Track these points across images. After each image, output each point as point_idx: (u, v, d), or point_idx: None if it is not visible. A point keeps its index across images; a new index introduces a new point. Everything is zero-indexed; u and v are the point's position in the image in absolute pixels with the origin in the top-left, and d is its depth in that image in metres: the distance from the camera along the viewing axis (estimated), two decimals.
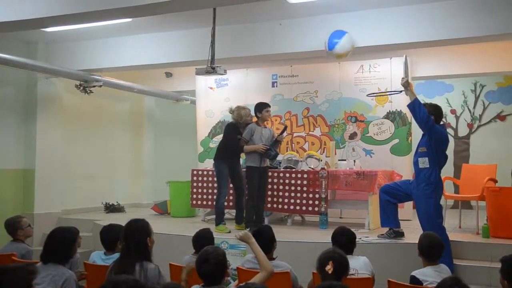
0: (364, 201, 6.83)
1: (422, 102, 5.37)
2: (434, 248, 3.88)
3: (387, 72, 8.07)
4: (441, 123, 5.54)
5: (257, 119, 6.90)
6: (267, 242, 4.05)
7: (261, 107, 6.90)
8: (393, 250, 5.60)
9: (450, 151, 6.40)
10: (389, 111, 8.01)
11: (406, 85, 5.40)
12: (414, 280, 3.70)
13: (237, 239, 3.79)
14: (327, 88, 8.44)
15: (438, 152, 5.29)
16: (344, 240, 4.10)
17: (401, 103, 7.92)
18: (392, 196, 5.73)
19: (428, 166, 5.29)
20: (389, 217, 5.77)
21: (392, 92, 6.94)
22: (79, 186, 9.51)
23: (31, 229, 5.19)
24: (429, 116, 5.20)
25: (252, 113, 7.01)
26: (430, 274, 3.72)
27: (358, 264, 3.92)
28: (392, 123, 7.97)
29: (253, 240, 3.65)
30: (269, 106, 6.99)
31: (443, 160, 5.37)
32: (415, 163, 5.42)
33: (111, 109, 10.62)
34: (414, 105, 5.24)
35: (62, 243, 3.62)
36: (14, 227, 5.02)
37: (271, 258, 4.00)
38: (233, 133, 6.95)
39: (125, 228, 3.61)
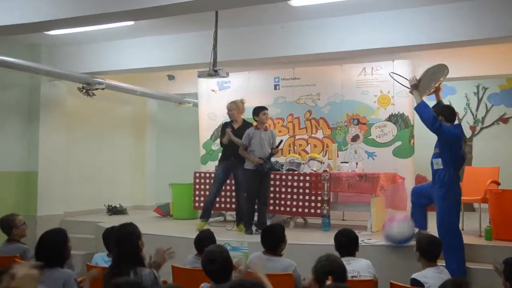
0: (367, 203, 6.82)
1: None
2: (433, 246, 3.90)
3: (388, 75, 8.05)
4: (456, 122, 5.46)
5: (256, 123, 6.92)
6: (275, 240, 4.16)
7: (258, 110, 6.93)
8: (395, 252, 5.59)
9: None
10: (392, 113, 8.00)
11: (415, 87, 5.42)
12: (415, 282, 3.70)
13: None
14: (329, 91, 8.44)
15: (451, 153, 5.25)
16: (346, 242, 4.11)
17: (403, 105, 7.94)
18: (418, 197, 5.76)
19: (442, 167, 5.28)
20: (415, 219, 5.70)
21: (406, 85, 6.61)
22: (81, 188, 9.53)
23: (25, 228, 5.01)
24: (435, 118, 5.21)
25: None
26: (430, 276, 3.71)
27: (360, 266, 3.91)
28: (395, 126, 7.96)
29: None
30: (266, 109, 7.02)
31: (458, 160, 5.30)
32: (431, 164, 5.43)
33: (114, 112, 10.65)
34: (420, 108, 5.31)
35: (53, 247, 3.57)
36: (9, 225, 4.88)
37: (278, 255, 4.11)
38: (223, 131, 7.13)
39: (116, 235, 3.59)
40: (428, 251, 3.88)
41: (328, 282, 2.93)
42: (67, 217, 8.96)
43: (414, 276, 3.75)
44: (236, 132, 7.07)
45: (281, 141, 7.42)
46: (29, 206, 8.56)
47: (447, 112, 5.40)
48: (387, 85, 8.03)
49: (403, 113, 7.94)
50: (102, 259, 4.33)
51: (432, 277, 3.68)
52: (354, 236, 4.18)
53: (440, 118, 5.30)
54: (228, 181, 7.49)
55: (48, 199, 8.73)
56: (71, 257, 3.86)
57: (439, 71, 5.81)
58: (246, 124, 7.19)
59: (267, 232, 4.32)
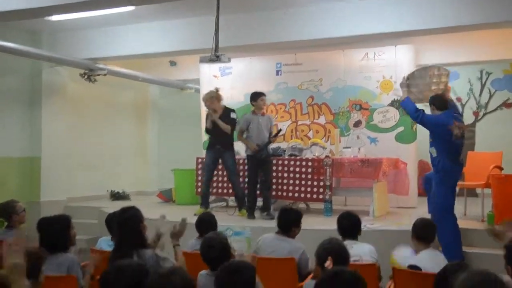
0: (369, 188, 6.83)
1: None
2: (427, 228, 4.05)
3: (392, 60, 8.04)
4: (449, 108, 5.45)
5: (254, 108, 6.92)
6: (287, 221, 4.28)
7: (255, 96, 6.97)
8: (397, 237, 5.60)
9: None
10: (394, 99, 7.98)
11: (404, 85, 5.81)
12: (413, 269, 3.70)
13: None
14: (331, 76, 8.41)
15: (442, 140, 5.31)
16: (348, 224, 4.14)
17: None
18: (427, 183, 5.91)
19: (436, 154, 5.37)
20: (428, 204, 5.87)
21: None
22: (84, 174, 9.56)
23: (25, 215, 4.88)
24: (417, 110, 5.46)
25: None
26: (425, 259, 3.77)
27: (363, 251, 3.93)
28: (397, 111, 7.94)
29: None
30: (264, 95, 7.06)
31: (452, 147, 5.30)
32: (430, 153, 5.54)
33: (116, 98, 10.63)
34: (404, 102, 5.70)
35: (55, 233, 3.59)
36: (9, 212, 4.75)
37: (290, 237, 4.21)
38: (206, 120, 7.19)
39: (117, 218, 3.60)
40: (422, 234, 4.01)
41: (328, 262, 2.93)
42: (71, 202, 9.00)
43: (410, 262, 3.77)
44: (222, 120, 7.00)
45: (279, 130, 7.42)
46: (32, 191, 8.60)
47: (437, 101, 5.49)
48: (389, 70, 8.00)
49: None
50: (106, 243, 4.35)
51: (427, 260, 3.73)
52: (356, 219, 4.21)
53: (432, 107, 5.47)
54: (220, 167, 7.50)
55: (51, 185, 8.78)
56: (76, 244, 3.88)
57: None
58: (227, 110, 7.15)
59: (282, 212, 4.42)
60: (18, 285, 2.10)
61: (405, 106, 5.71)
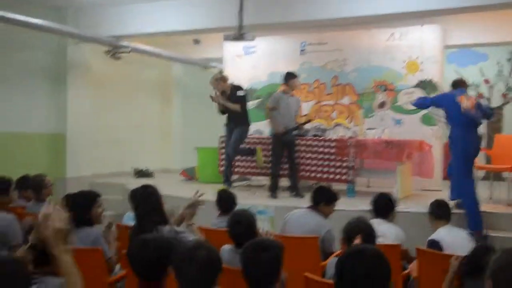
0: (393, 170, 6.76)
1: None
2: (441, 207, 4.28)
3: (418, 40, 7.89)
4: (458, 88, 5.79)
5: (286, 88, 6.89)
6: (318, 197, 4.36)
7: (290, 76, 6.98)
8: (421, 219, 5.55)
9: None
10: (420, 80, 7.85)
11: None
12: (433, 243, 3.88)
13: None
14: (356, 56, 8.30)
15: (448, 112, 5.73)
16: (381, 204, 4.27)
17: (432, 72, 7.79)
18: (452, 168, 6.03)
19: (449, 129, 5.81)
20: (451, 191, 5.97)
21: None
22: (108, 151, 9.66)
23: (52, 189, 5.15)
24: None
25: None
26: (443, 234, 3.96)
27: (389, 231, 3.94)
28: (424, 91, 7.81)
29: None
30: (298, 77, 7.11)
31: (457, 117, 5.54)
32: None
33: (140, 76, 10.68)
34: (415, 103, 6.28)
35: (80, 208, 3.64)
36: (39, 185, 4.99)
37: (320, 214, 4.27)
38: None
39: (137, 196, 3.67)
40: (437, 212, 4.25)
41: (357, 241, 2.96)
42: (96, 179, 9.13)
43: (430, 238, 3.96)
44: (232, 99, 7.13)
45: (310, 120, 7.49)
46: (58, 167, 8.75)
47: (453, 82, 5.93)
48: (415, 51, 7.87)
49: (431, 79, 7.78)
50: (132, 219, 4.41)
51: (446, 235, 3.93)
52: (390, 200, 4.34)
53: (451, 89, 5.91)
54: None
55: (77, 161, 8.92)
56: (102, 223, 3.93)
57: None
58: (234, 88, 7.26)
59: (316, 188, 4.51)
60: (60, 249, 2.16)
61: (417, 105, 6.26)
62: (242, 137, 7.28)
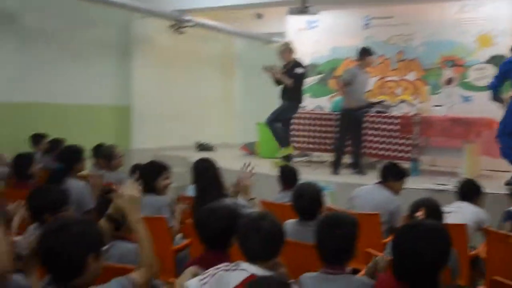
0: (460, 149, 6.53)
1: None
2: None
3: (491, 12, 7.49)
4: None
5: (360, 63, 6.77)
6: (386, 173, 4.34)
7: (367, 52, 6.84)
8: (489, 200, 5.34)
9: None
10: (493, 55, 7.46)
11: None
12: (509, 213, 3.91)
13: None
14: (423, 30, 8.01)
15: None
16: (467, 188, 4.22)
17: (507, 46, 7.36)
18: None
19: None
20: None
21: None
22: (172, 124, 9.86)
23: (122, 160, 5.33)
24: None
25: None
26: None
27: (466, 211, 3.86)
28: (496, 68, 7.42)
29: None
30: (374, 54, 7.03)
31: None
32: None
33: (203, 50, 10.78)
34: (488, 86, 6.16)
35: (147, 175, 3.70)
36: (110, 156, 5.19)
37: (390, 190, 4.23)
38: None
39: (196, 170, 3.74)
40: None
41: (420, 213, 2.94)
42: (159, 151, 9.37)
43: (508, 208, 3.96)
44: (288, 73, 6.99)
45: (383, 101, 7.50)
46: (123, 139, 9.03)
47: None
48: (489, 24, 7.48)
49: (504, 55, 7.37)
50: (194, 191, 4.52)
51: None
52: (474, 183, 4.28)
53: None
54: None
55: (141, 133, 9.20)
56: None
57: None
58: (295, 64, 7.07)
59: (385, 165, 4.51)
60: (132, 216, 2.28)
61: (490, 86, 6.09)
62: (287, 112, 7.15)
